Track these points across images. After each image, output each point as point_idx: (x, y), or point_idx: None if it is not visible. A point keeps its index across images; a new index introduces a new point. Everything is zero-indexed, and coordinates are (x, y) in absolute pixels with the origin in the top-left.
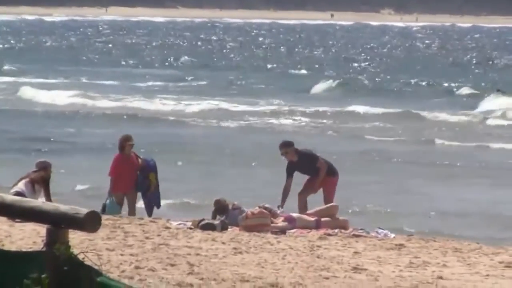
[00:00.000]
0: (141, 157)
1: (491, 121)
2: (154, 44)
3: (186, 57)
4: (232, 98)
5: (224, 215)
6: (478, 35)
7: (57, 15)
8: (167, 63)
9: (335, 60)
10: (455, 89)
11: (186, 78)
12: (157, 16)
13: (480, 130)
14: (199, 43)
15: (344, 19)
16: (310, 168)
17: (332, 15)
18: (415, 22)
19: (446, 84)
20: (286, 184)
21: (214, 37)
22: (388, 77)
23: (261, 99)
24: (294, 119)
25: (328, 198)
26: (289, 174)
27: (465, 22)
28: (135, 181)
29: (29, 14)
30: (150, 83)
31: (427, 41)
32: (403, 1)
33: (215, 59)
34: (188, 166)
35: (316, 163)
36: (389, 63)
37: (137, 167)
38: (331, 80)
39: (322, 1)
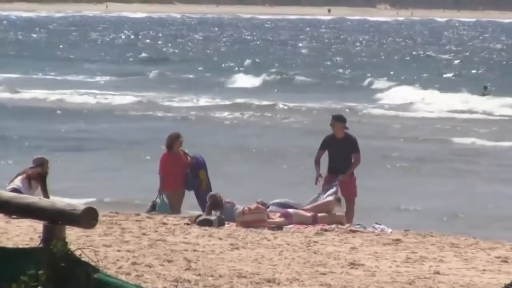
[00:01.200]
0: (189, 154)
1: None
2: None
3: (144, 54)
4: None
5: (219, 210)
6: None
7: (44, 12)
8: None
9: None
10: (366, 83)
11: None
12: (154, 12)
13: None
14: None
15: (340, 14)
16: (345, 155)
17: (329, 10)
18: (411, 16)
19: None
20: (318, 156)
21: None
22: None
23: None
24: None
25: (350, 198)
26: (323, 147)
27: (461, 16)
28: (184, 179)
29: (22, 10)
30: (84, 78)
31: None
32: None
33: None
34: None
35: (355, 154)
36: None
37: (186, 165)
38: (264, 75)
39: None
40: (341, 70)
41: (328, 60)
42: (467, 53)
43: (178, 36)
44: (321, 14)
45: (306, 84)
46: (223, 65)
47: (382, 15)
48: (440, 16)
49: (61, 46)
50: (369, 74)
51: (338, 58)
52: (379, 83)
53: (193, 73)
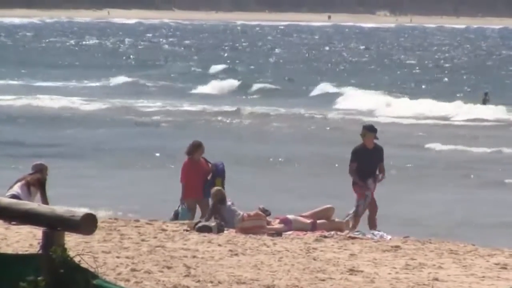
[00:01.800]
0: (210, 161)
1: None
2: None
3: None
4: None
5: (222, 206)
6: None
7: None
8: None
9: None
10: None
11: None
12: (151, 18)
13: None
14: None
15: (340, 20)
16: (373, 165)
17: (329, 17)
18: (409, 23)
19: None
20: (352, 168)
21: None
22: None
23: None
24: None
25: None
26: (355, 159)
27: (459, 23)
28: (205, 186)
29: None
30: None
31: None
32: (398, 3)
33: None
34: None
35: (381, 164)
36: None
37: (207, 172)
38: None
39: (318, 2)
40: (312, 77)
41: (302, 66)
42: (454, 60)
43: (162, 43)
44: (321, 20)
45: (266, 90)
46: (194, 70)
47: (381, 22)
48: (439, 23)
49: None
50: (335, 83)
51: (315, 64)
52: (345, 90)
53: (166, 80)
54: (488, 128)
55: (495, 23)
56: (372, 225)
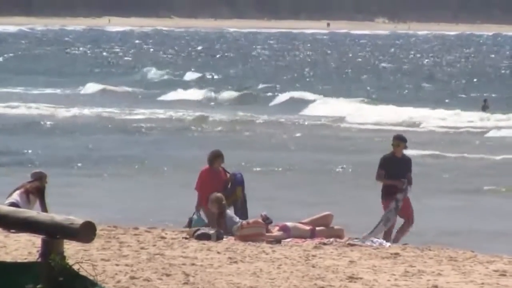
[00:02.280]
0: (228, 171)
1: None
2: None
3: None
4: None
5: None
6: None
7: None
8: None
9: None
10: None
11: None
12: (149, 26)
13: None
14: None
15: (339, 28)
16: (400, 174)
17: (328, 24)
18: (407, 30)
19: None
20: (379, 175)
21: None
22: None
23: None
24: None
25: (406, 217)
26: (382, 167)
27: (459, 30)
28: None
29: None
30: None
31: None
32: (397, 10)
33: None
34: None
35: (408, 174)
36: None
37: (225, 181)
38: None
39: (316, 10)
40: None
41: (278, 74)
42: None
43: (147, 50)
44: (320, 27)
45: (232, 98)
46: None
47: (380, 29)
48: (436, 30)
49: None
50: (307, 90)
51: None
52: (317, 97)
53: (134, 86)
54: (459, 134)
55: (492, 30)
56: (398, 235)
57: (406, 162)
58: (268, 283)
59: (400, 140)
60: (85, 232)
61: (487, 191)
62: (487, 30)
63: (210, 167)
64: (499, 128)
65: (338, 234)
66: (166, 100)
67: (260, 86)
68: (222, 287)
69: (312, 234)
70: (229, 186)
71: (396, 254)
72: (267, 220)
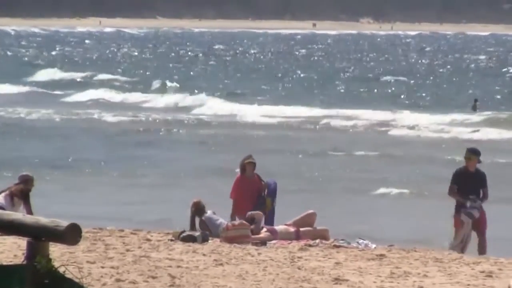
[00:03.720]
0: (263, 179)
1: None
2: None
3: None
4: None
5: (201, 217)
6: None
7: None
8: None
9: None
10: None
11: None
12: (133, 27)
13: None
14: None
15: (323, 28)
16: (476, 190)
17: (314, 25)
18: (391, 30)
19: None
20: (452, 190)
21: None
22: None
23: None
24: None
25: (481, 231)
26: (456, 181)
27: (444, 30)
28: (255, 204)
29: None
30: None
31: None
32: (382, 10)
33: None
34: None
35: (484, 189)
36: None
37: (259, 189)
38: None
39: (302, 10)
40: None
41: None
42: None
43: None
44: (305, 28)
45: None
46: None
47: (364, 29)
48: (419, 30)
49: None
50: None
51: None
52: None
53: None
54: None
55: (478, 30)
56: (481, 250)
57: (480, 177)
58: (253, 285)
59: (472, 153)
60: (71, 235)
61: None
62: (472, 29)
63: (242, 174)
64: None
65: (323, 235)
66: (68, 101)
67: (158, 84)
68: None
69: (297, 236)
70: (264, 194)
71: (382, 255)
72: (253, 221)
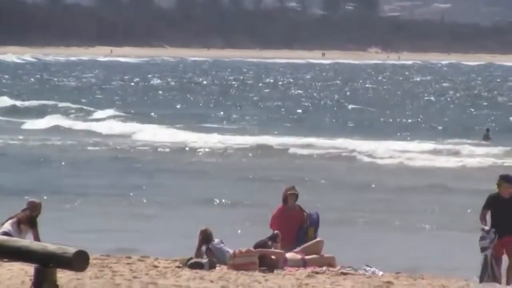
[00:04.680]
0: (305, 210)
1: None
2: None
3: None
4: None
5: (207, 245)
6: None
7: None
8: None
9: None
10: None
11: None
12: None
13: None
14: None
15: (332, 57)
16: (507, 216)
17: (323, 54)
18: (397, 60)
19: None
20: (482, 215)
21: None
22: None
23: None
24: None
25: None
26: (488, 206)
27: (451, 59)
28: (297, 235)
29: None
30: None
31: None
32: (390, 40)
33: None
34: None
35: None
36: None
37: (301, 220)
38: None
39: (310, 40)
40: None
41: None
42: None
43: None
44: (315, 58)
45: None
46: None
47: (372, 59)
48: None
49: None
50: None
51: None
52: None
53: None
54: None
55: (485, 60)
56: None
57: None
58: None
59: (502, 180)
60: (78, 261)
61: None
62: (478, 60)
63: (284, 205)
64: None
65: (329, 262)
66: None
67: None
68: None
69: (304, 263)
70: (306, 225)
71: (389, 282)
72: (260, 247)
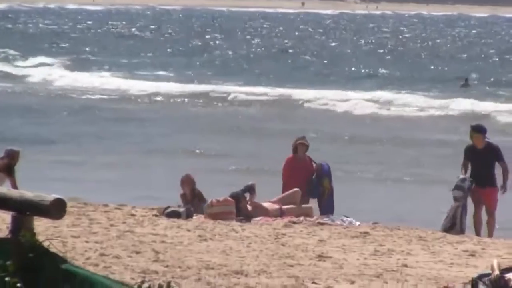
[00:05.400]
0: (315, 161)
1: None
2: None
3: None
4: None
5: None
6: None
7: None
8: None
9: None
10: None
11: None
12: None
13: None
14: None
15: (313, 7)
16: (487, 165)
17: (303, 4)
18: (375, 10)
19: None
20: (463, 163)
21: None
22: None
23: None
24: None
25: (489, 211)
26: (466, 157)
27: (430, 10)
28: (308, 186)
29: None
30: None
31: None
32: None
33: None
34: None
35: (501, 163)
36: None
37: (311, 171)
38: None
39: None
40: None
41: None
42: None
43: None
44: (293, 7)
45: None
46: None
47: (352, 8)
48: (406, 10)
49: None
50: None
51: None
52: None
53: None
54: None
55: (463, 10)
56: (489, 232)
57: (491, 152)
58: (237, 261)
59: (473, 131)
60: (55, 209)
61: None
62: (459, 10)
63: (294, 155)
64: None
65: (307, 213)
66: None
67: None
68: (191, 265)
69: (281, 213)
70: (314, 176)
71: (366, 233)
72: (236, 197)
